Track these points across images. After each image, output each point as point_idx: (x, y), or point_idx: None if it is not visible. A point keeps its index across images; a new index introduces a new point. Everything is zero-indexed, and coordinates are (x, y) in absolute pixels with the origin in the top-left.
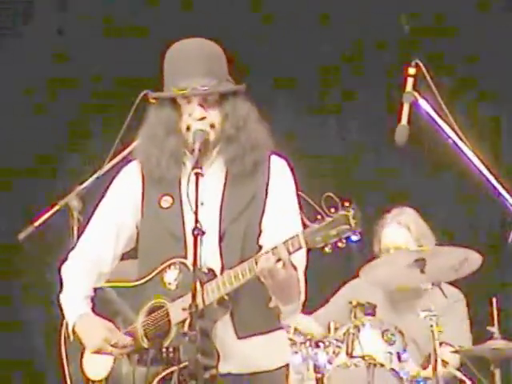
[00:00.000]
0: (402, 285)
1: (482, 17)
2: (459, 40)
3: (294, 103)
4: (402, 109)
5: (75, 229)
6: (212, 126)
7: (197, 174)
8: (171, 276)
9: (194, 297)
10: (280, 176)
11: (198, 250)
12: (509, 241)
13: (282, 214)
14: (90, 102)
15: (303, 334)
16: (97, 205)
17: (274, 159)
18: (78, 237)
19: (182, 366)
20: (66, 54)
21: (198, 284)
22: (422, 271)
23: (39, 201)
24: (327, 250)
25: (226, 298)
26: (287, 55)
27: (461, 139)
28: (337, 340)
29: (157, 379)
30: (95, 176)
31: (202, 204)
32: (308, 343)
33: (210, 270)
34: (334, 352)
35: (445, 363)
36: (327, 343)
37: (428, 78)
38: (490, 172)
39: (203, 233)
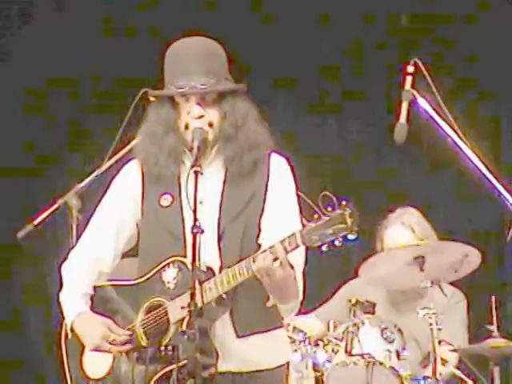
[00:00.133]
0: (401, 284)
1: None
2: (459, 40)
3: (293, 103)
4: (401, 107)
5: (74, 227)
6: (210, 124)
7: (196, 173)
8: (170, 275)
9: (192, 295)
10: (280, 174)
11: (196, 249)
12: (508, 239)
13: (281, 213)
14: (90, 101)
15: (305, 333)
16: (97, 204)
17: (274, 157)
18: (77, 235)
19: (180, 364)
20: (65, 54)
21: (196, 283)
22: (422, 269)
23: (38, 200)
24: (324, 248)
25: (224, 296)
26: (287, 55)
27: (460, 138)
28: (336, 338)
29: (155, 377)
30: (94, 174)
31: (201, 203)
32: (307, 341)
33: (209, 269)
34: (333, 350)
35: (444, 361)
36: (326, 341)
37: (427, 76)
38: (489, 171)
39: (202, 231)
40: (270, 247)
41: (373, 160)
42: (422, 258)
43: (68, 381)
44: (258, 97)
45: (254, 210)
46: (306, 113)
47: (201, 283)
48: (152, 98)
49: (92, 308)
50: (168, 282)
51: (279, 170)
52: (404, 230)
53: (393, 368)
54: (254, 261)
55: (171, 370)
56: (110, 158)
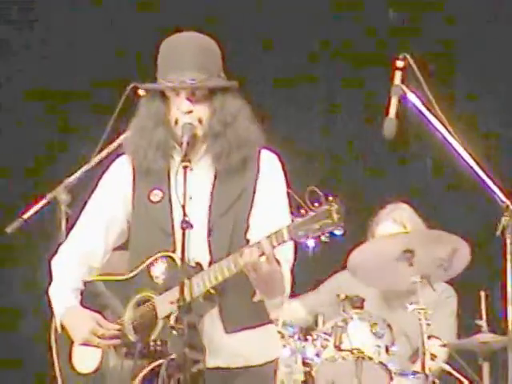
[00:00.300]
0: (391, 283)
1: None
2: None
3: (286, 100)
4: (390, 102)
5: (63, 222)
6: (200, 120)
7: (185, 168)
8: (158, 270)
9: (181, 290)
10: (269, 171)
11: (185, 244)
12: (497, 233)
13: (270, 209)
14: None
15: (295, 328)
16: (87, 198)
17: (264, 154)
18: (67, 230)
19: (169, 359)
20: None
21: (185, 278)
22: (411, 264)
23: (26, 196)
24: (310, 243)
25: (212, 292)
26: (279, 53)
27: (449, 133)
28: (325, 333)
29: (144, 372)
30: (84, 169)
31: (190, 198)
32: (296, 336)
33: (198, 264)
34: (322, 345)
35: (433, 357)
36: (315, 336)
37: (416, 71)
38: (479, 166)
39: (191, 226)
40: (257, 242)
41: (363, 156)
42: (410, 252)
43: (57, 376)
44: (254, 96)
45: (243, 205)
46: (297, 109)
47: (189, 278)
48: (142, 92)
49: (81, 303)
50: (157, 277)
51: (269, 167)
52: (395, 225)
53: (382, 363)
54: (240, 256)
55: (160, 365)
56: (100, 152)
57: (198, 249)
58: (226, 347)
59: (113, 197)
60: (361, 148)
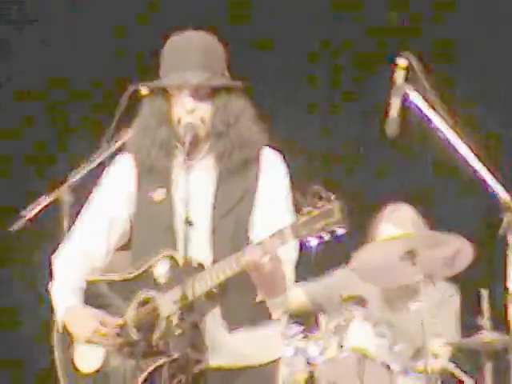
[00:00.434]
0: (393, 281)
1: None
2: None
3: (286, 97)
4: (392, 102)
5: (66, 222)
6: (202, 120)
7: (188, 167)
8: (161, 269)
9: (183, 290)
10: (271, 169)
11: (188, 244)
12: (499, 232)
13: (273, 208)
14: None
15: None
16: (89, 197)
17: (267, 152)
18: (69, 230)
19: (171, 359)
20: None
21: (187, 278)
22: (413, 263)
23: (30, 194)
24: (313, 243)
25: (214, 291)
26: (277, 51)
27: (451, 132)
28: (328, 333)
29: (146, 372)
30: (87, 168)
31: (193, 198)
32: (299, 336)
33: (200, 265)
34: (324, 345)
35: (436, 356)
36: (318, 336)
37: (418, 71)
38: (483, 165)
39: (192, 224)
40: (260, 242)
41: (365, 155)
42: (413, 252)
43: (59, 375)
44: (257, 93)
45: (245, 205)
46: (299, 108)
47: (192, 278)
48: (145, 92)
49: (84, 302)
50: (159, 277)
51: (271, 166)
52: (397, 226)
53: (384, 363)
54: (243, 255)
55: (162, 365)
56: (102, 152)
57: (200, 248)
58: (228, 346)
59: (115, 196)
60: (361, 148)
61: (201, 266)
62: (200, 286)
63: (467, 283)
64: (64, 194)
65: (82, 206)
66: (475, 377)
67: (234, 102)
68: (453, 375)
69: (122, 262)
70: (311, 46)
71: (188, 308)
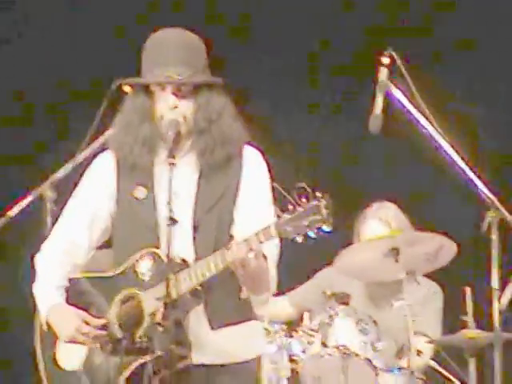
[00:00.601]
0: (376, 276)
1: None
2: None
3: (272, 92)
4: (376, 98)
5: (49, 219)
6: (184, 117)
7: (170, 164)
8: (144, 266)
9: (167, 287)
10: (253, 167)
11: (171, 241)
12: (481, 230)
13: (254, 205)
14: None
15: (281, 324)
16: (71, 195)
17: (248, 150)
18: (52, 227)
19: (155, 356)
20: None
21: (171, 274)
22: (396, 260)
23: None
24: (298, 240)
25: (198, 288)
26: (263, 46)
27: (435, 129)
28: (311, 329)
29: (130, 369)
30: (70, 165)
31: (175, 195)
32: (282, 332)
33: (183, 261)
34: (308, 342)
35: (419, 353)
36: (301, 333)
37: (402, 67)
38: (465, 162)
39: (175, 222)
40: (245, 239)
41: (350, 151)
42: (396, 249)
43: (41, 374)
44: (238, 87)
45: (227, 202)
46: (285, 102)
47: (176, 275)
48: (127, 89)
49: (66, 300)
50: (142, 274)
51: (253, 163)
52: (381, 224)
53: (368, 359)
54: (228, 252)
55: (146, 362)
56: (86, 148)
57: (183, 245)
58: (212, 343)
59: (96, 193)
60: (349, 146)
61: (184, 262)
62: (185, 283)
63: (451, 281)
64: (46, 190)
65: (65, 203)
66: (459, 374)
67: (216, 99)
68: (437, 372)
69: (103, 259)
70: (311, 45)
71: (172, 305)
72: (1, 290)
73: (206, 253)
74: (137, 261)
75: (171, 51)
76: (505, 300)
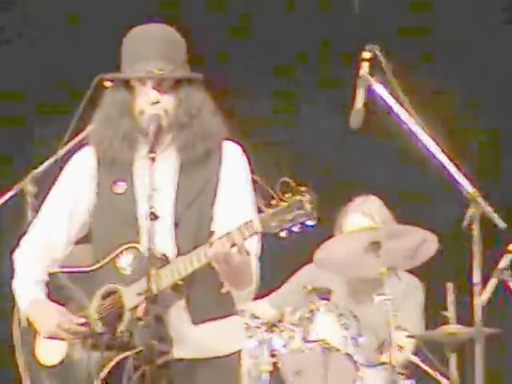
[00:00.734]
0: (356, 271)
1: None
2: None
3: (255, 88)
4: (357, 93)
5: (29, 214)
6: (165, 111)
7: (151, 159)
8: (125, 261)
9: (148, 282)
10: (232, 161)
11: (152, 235)
12: (463, 225)
13: (234, 200)
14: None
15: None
16: (50, 189)
17: (227, 145)
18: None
19: (136, 351)
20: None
21: (152, 269)
22: (377, 255)
23: None
24: (282, 235)
25: (180, 283)
26: (246, 42)
27: (418, 125)
28: (292, 324)
29: (111, 364)
30: (50, 160)
31: (155, 190)
32: (263, 327)
33: (164, 256)
34: (289, 336)
35: (400, 348)
36: (282, 327)
37: (383, 62)
38: (448, 158)
39: (157, 217)
40: (228, 233)
41: (332, 146)
42: (377, 243)
43: (20, 368)
44: (220, 84)
45: (207, 197)
46: (267, 98)
47: (156, 270)
48: (107, 83)
49: (46, 295)
50: (123, 269)
51: (232, 158)
52: (364, 217)
53: (349, 354)
54: (210, 247)
55: (127, 357)
56: (67, 143)
57: (163, 240)
58: (193, 338)
59: (75, 188)
60: (331, 140)
61: (165, 257)
62: (166, 278)
63: (433, 276)
64: (27, 185)
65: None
66: (440, 369)
67: (196, 94)
68: (418, 367)
69: (81, 254)
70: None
71: (152, 300)
72: None
73: (186, 248)
74: (117, 256)
75: (152, 46)
76: (486, 296)
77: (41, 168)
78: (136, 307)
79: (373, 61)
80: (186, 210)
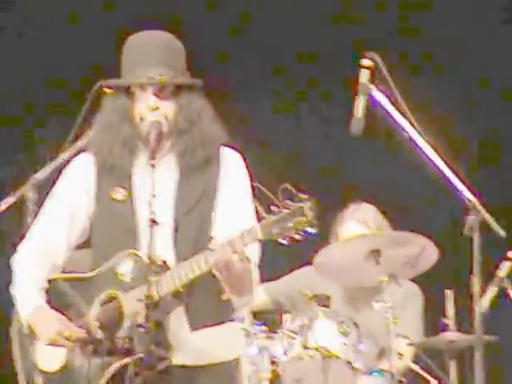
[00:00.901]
0: (356, 280)
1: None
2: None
3: (255, 89)
4: (357, 101)
5: (30, 220)
6: (166, 117)
7: (152, 166)
8: (125, 268)
9: (149, 288)
10: (231, 168)
11: (152, 242)
12: (464, 232)
13: (234, 206)
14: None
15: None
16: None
17: (226, 151)
18: None
19: (136, 357)
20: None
21: (152, 276)
22: (377, 263)
23: None
24: (283, 242)
25: (181, 290)
26: (243, 44)
27: (418, 132)
28: (292, 331)
29: (111, 370)
30: (51, 166)
31: (154, 196)
32: (263, 334)
33: (164, 262)
34: (289, 343)
35: (400, 355)
36: (282, 334)
37: (383, 70)
38: (447, 165)
39: (157, 223)
40: (229, 240)
41: (331, 152)
42: (377, 251)
43: (18, 375)
44: (219, 87)
45: (206, 203)
46: (266, 102)
47: (157, 276)
48: (108, 90)
49: (46, 302)
50: (122, 275)
51: (231, 163)
52: (359, 225)
53: (348, 362)
54: (211, 254)
55: (127, 363)
56: (67, 149)
57: (163, 247)
58: (192, 345)
59: (74, 193)
60: (331, 140)
61: (165, 264)
62: (167, 284)
63: (433, 283)
64: (28, 192)
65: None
66: (440, 376)
67: (196, 100)
68: (417, 375)
69: (81, 260)
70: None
71: (152, 306)
72: None
73: (186, 254)
74: (117, 262)
75: (152, 52)
76: (485, 302)
77: (41, 174)
78: (136, 313)
79: (373, 69)
80: (186, 216)
